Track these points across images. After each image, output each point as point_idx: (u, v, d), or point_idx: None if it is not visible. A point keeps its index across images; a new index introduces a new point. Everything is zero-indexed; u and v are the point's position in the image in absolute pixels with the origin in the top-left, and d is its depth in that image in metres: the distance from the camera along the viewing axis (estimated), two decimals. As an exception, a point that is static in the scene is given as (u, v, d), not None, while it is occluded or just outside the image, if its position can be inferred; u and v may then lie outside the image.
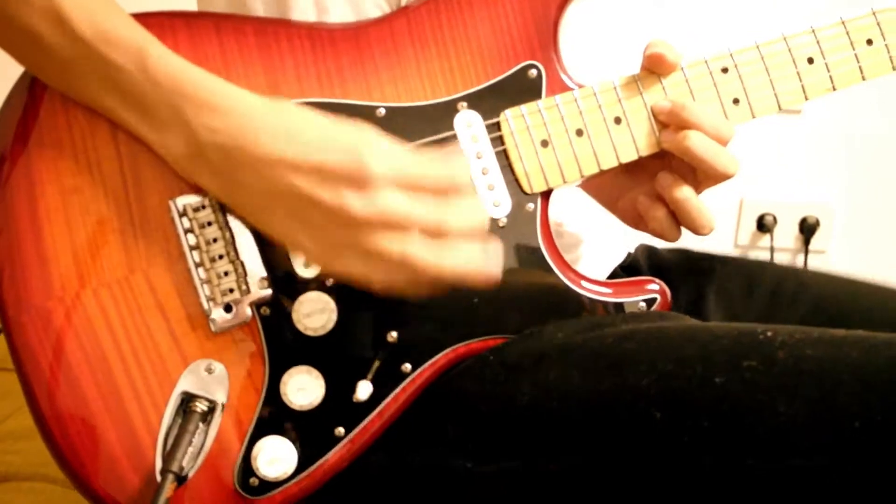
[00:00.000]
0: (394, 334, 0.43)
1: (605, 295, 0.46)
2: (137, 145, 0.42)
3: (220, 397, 0.42)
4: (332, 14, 0.47)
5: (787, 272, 0.55)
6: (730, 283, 0.55)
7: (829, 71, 0.45)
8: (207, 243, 0.42)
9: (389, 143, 0.39)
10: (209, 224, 0.42)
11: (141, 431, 0.42)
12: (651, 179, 0.47)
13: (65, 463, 0.42)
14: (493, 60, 0.45)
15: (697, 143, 0.44)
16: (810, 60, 0.45)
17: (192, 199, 0.42)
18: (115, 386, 0.42)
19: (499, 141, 0.45)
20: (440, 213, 0.39)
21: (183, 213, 0.42)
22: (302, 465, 0.42)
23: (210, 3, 0.51)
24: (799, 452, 0.34)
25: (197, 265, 0.42)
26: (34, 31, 0.39)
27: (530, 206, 0.45)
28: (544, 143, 0.45)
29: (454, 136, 0.44)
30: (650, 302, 0.46)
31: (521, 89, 0.45)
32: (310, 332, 0.43)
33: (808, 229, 1.27)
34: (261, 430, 0.42)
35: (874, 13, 0.44)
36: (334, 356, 0.43)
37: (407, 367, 0.43)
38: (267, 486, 0.42)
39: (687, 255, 0.58)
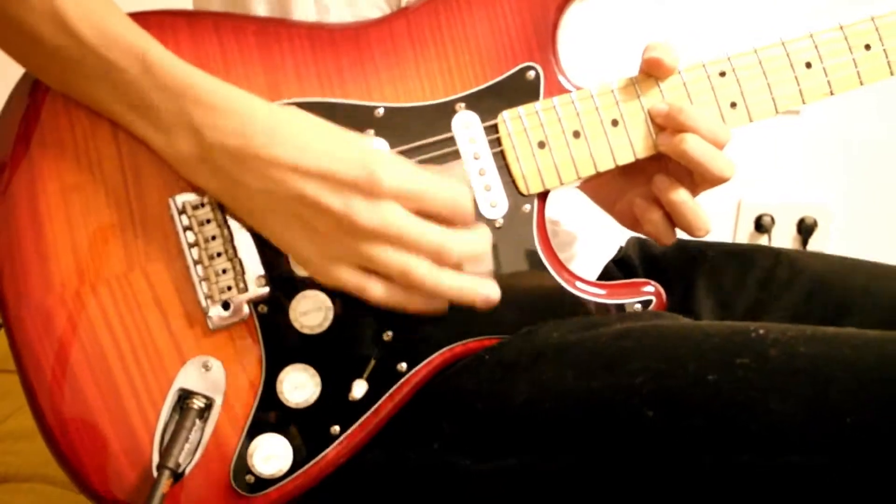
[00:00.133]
0: (390, 333, 0.44)
1: (600, 297, 0.46)
2: (138, 144, 0.42)
3: (217, 394, 0.43)
4: (333, 14, 0.47)
5: (781, 256, 0.55)
6: (721, 270, 0.55)
7: (826, 76, 0.45)
8: (206, 241, 0.43)
9: (401, 162, 0.40)
10: (208, 222, 0.43)
11: (138, 428, 0.42)
12: (648, 182, 0.47)
13: (63, 459, 0.42)
14: (491, 62, 0.45)
15: (694, 146, 0.44)
16: (808, 65, 0.45)
17: (191, 197, 0.43)
18: (114, 382, 0.42)
19: (496, 142, 0.45)
20: (443, 237, 0.39)
21: (182, 211, 0.43)
22: (297, 463, 0.43)
23: (207, 2, 0.51)
24: (793, 450, 0.34)
25: (195, 262, 0.42)
26: (35, 33, 0.40)
27: (527, 207, 0.45)
28: (541, 145, 0.45)
29: (452, 138, 0.45)
30: (645, 304, 0.46)
31: (519, 91, 0.45)
32: (306, 331, 0.43)
33: (805, 230, 1.27)
34: (257, 428, 0.43)
35: (872, 19, 0.44)
36: (330, 354, 0.43)
37: (403, 366, 0.44)
38: (262, 483, 0.42)
39: (678, 246, 0.58)
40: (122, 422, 0.42)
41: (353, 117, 0.43)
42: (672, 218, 0.47)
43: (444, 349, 0.44)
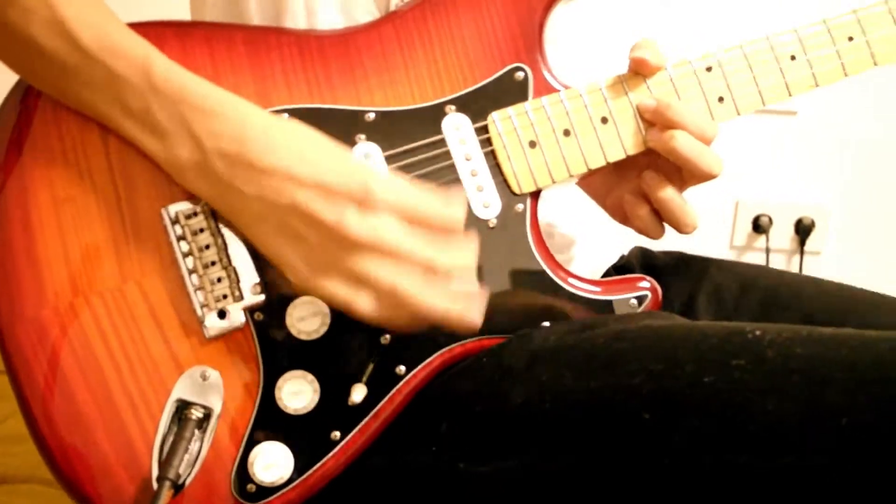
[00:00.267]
0: (387, 336, 0.44)
1: (596, 293, 0.46)
2: (129, 155, 0.43)
3: (216, 404, 0.43)
4: (322, 18, 0.48)
5: (782, 279, 0.56)
6: (723, 287, 0.56)
7: (811, 68, 0.46)
8: (200, 250, 0.43)
9: (394, 175, 0.40)
10: (201, 231, 0.43)
11: (136, 440, 0.42)
12: (639, 176, 0.48)
13: (60, 473, 0.42)
14: (479, 64, 0.45)
15: (683, 142, 0.44)
16: (793, 58, 0.46)
17: (183, 207, 0.43)
18: (110, 394, 0.42)
19: (487, 143, 0.45)
20: (435, 252, 0.39)
21: (175, 221, 0.43)
22: (299, 470, 0.43)
23: (204, 9, 0.52)
24: (790, 450, 0.34)
25: (190, 272, 0.43)
26: (34, 39, 0.40)
27: (520, 206, 0.46)
28: (532, 144, 0.45)
29: (443, 140, 0.45)
30: (641, 299, 0.47)
31: (508, 91, 0.45)
32: (303, 337, 0.43)
33: (803, 230, 1.28)
34: (257, 436, 0.43)
35: (854, 11, 0.45)
36: (328, 360, 0.43)
37: (401, 369, 0.44)
38: (264, 492, 0.42)
39: (681, 258, 0.59)
40: (120, 435, 0.42)
41: (344, 122, 0.44)
42: (660, 214, 0.48)
43: (443, 351, 0.44)
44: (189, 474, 0.42)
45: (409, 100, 0.45)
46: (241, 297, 0.43)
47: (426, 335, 0.44)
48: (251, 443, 0.43)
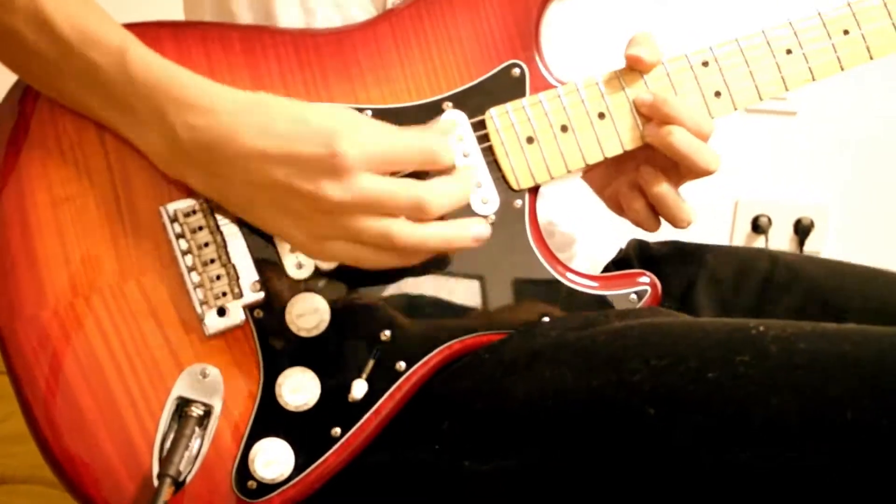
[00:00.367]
0: (387, 333, 0.44)
1: (595, 288, 0.47)
2: (126, 153, 0.43)
3: (216, 401, 0.43)
4: (319, 16, 0.48)
5: (779, 260, 0.56)
6: (721, 272, 0.56)
7: (807, 62, 0.46)
8: (199, 248, 0.43)
9: (365, 122, 0.40)
10: (200, 229, 0.43)
11: (137, 438, 0.42)
12: (637, 169, 0.48)
13: (61, 471, 0.43)
14: (476, 60, 0.46)
15: (680, 138, 0.45)
16: (788, 51, 0.46)
17: (182, 205, 0.43)
18: (110, 393, 0.42)
19: (484, 139, 0.46)
20: (418, 189, 0.40)
21: (174, 219, 0.43)
22: (299, 467, 0.43)
23: (197, 9, 0.52)
24: (793, 446, 0.34)
25: (189, 270, 0.43)
26: (18, 33, 0.41)
27: (518, 202, 0.46)
28: (530, 140, 0.46)
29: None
30: (640, 294, 0.47)
31: (505, 88, 0.46)
32: (303, 333, 0.43)
33: (802, 230, 1.28)
34: (257, 433, 0.43)
35: (849, 4, 0.46)
36: (328, 356, 0.43)
37: (401, 365, 0.44)
38: (265, 489, 0.43)
39: (677, 246, 0.59)
40: (120, 433, 0.42)
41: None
42: (656, 209, 0.48)
43: (443, 346, 0.45)
44: (190, 472, 0.42)
45: (406, 97, 0.45)
46: (241, 295, 0.43)
47: (426, 332, 0.44)
48: (252, 440, 0.43)
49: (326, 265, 0.44)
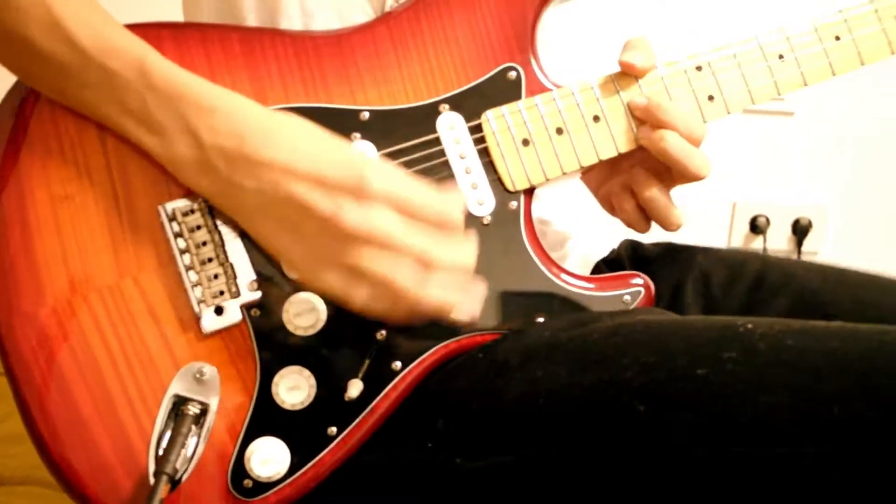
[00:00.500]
0: (383, 332, 0.46)
1: (589, 290, 0.48)
2: (126, 153, 0.44)
3: (212, 399, 0.44)
4: (318, 19, 0.50)
5: (773, 262, 0.57)
6: (711, 274, 0.57)
7: (799, 67, 0.48)
8: (197, 247, 0.45)
9: (391, 167, 0.42)
10: (198, 228, 0.45)
11: (133, 436, 0.43)
12: (628, 171, 0.50)
13: (56, 470, 0.44)
14: (472, 63, 0.47)
15: (672, 143, 0.47)
16: (781, 57, 0.48)
17: (180, 204, 0.45)
18: (107, 391, 0.43)
19: (481, 141, 0.47)
20: (431, 245, 0.40)
21: (172, 218, 0.45)
22: (295, 466, 0.44)
23: (196, 12, 0.53)
24: (782, 441, 0.35)
25: (187, 268, 0.44)
26: (31, 40, 0.42)
27: (513, 204, 0.48)
28: (525, 142, 0.47)
29: (438, 139, 0.47)
30: (634, 296, 0.49)
31: (502, 91, 0.48)
32: (300, 332, 0.45)
33: (800, 231, 1.30)
34: (254, 431, 0.44)
35: (840, 11, 0.48)
36: (325, 355, 0.45)
37: (397, 364, 0.46)
38: (261, 487, 0.44)
39: (669, 247, 0.61)
40: (117, 431, 0.43)
41: (339, 121, 0.46)
42: (647, 211, 0.50)
43: (438, 346, 0.46)
44: (186, 470, 0.43)
45: (404, 99, 0.47)
46: (238, 294, 0.45)
47: (422, 331, 0.46)
48: (248, 438, 0.44)
49: None
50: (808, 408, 0.35)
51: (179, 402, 0.44)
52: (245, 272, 0.45)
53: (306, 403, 0.44)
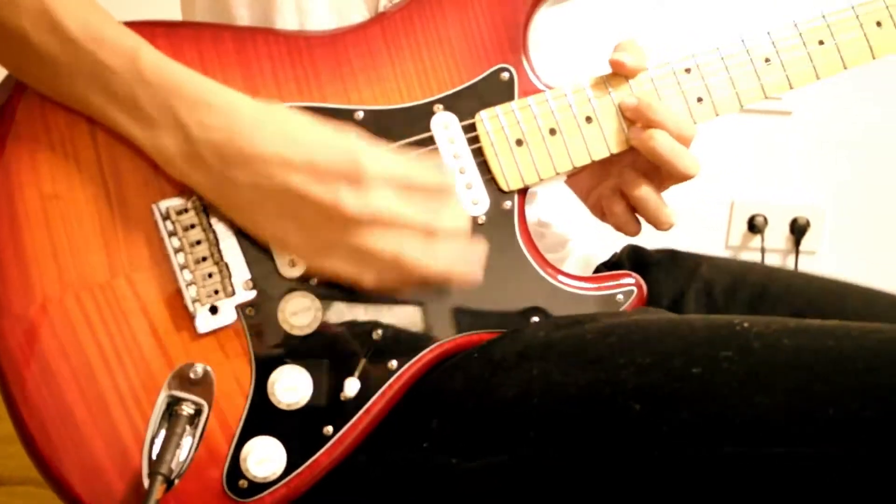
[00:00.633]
0: (379, 332, 0.49)
1: (583, 289, 0.52)
2: (118, 149, 0.47)
3: (207, 399, 0.47)
4: (314, 17, 0.53)
5: (773, 275, 0.61)
6: (713, 284, 0.61)
7: (784, 70, 0.52)
8: (191, 245, 0.48)
9: (379, 147, 0.45)
10: (192, 227, 0.48)
11: (126, 437, 0.46)
12: (618, 175, 0.54)
13: (47, 471, 0.46)
14: (466, 64, 0.51)
15: (662, 142, 0.51)
16: (767, 60, 0.52)
17: (174, 202, 0.48)
18: (100, 391, 0.46)
19: (475, 141, 0.52)
20: (430, 215, 0.44)
21: (166, 217, 0.48)
22: (291, 466, 0.47)
23: (192, 7, 0.56)
24: (777, 441, 0.38)
25: (181, 267, 0.47)
26: (21, 32, 0.44)
27: (508, 203, 0.52)
28: (519, 143, 0.51)
29: (432, 138, 0.51)
30: (627, 295, 0.53)
31: (494, 91, 0.52)
32: (296, 331, 0.48)
33: (798, 230, 1.36)
34: (249, 431, 0.47)
35: (823, 16, 0.52)
36: (320, 354, 0.48)
37: (393, 364, 0.49)
38: (256, 488, 0.47)
39: (672, 254, 0.65)
40: (110, 431, 0.46)
41: (333, 121, 0.49)
42: (638, 211, 0.54)
43: (434, 346, 0.50)
44: (180, 471, 0.46)
45: (398, 98, 0.51)
46: (233, 293, 0.48)
47: (417, 330, 0.49)
48: (243, 438, 0.47)
49: None
50: (805, 407, 0.37)
51: (173, 403, 0.46)
52: (240, 271, 0.48)
53: (302, 403, 0.47)
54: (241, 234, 0.48)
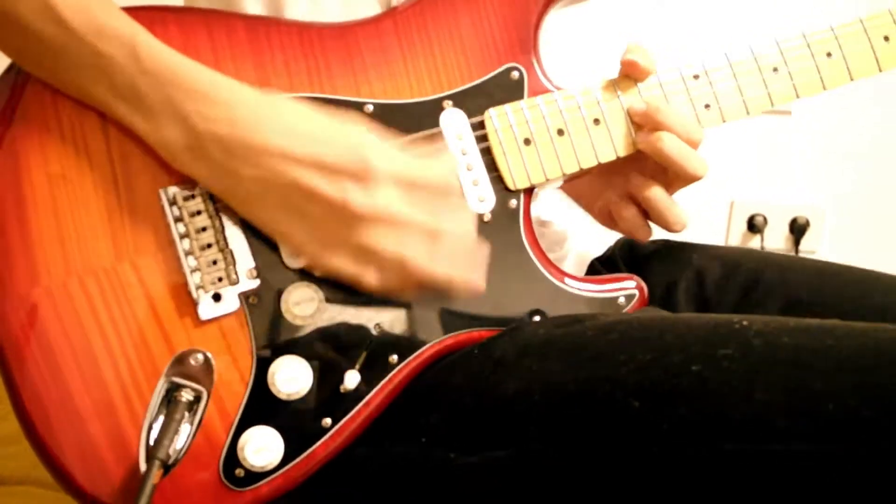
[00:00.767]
0: (381, 326, 0.52)
1: (585, 290, 0.56)
2: (127, 134, 0.50)
3: (207, 386, 0.50)
4: (326, 11, 0.56)
5: (766, 261, 0.63)
6: (705, 271, 0.64)
7: (792, 80, 0.56)
8: (196, 232, 0.51)
9: (387, 143, 0.47)
10: (198, 213, 0.51)
11: (125, 422, 0.49)
12: (624, 182, 0.57)
13: (45, 454, 0.49)
14: (476, 61, 0.55)
15: (670, 144, 0.54)
16: (775, 69, 0.56)
17: (182, 188, 0.50)
18: (100, 374, 0.49)
19: (483, 139, 0.55)
20: (436, 215, 0.46)
21: (173, 202, 0.51)
22: (288, 456, 0.50)
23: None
24: (776, 438, 0.39)
25: (186, 253, 0.50)
26: (22, 21, 0.46)
27: (513, 202, 0.55)
28: (527, 142, 0.55)
29: (440, 134, 0.54)
30: (629, 298, 0.56)
31: (504, 90, 0.55)
32: (298, 322, 0.51)
33: (798, 230, 1.41)
34: (248, 420, 0.50)
35: (832, 28, 0.56)
36: (322, 346, 0.51)
37: (394, 358, 0.53)
38: (253, 477, 0.50)
39: (664, 245, 0.68)
40: (109, 415, 0.49)
41: (341, 112, 0.51)
42: (648, 214, 0.57)
43: (435, 342, 0.53)
44: (178, 457, 0.49)
45: (408, 93, 0.54)
46: (237, 281, 0.51)
47: (419, 326, 0.53)
48: (241, 427, 0.50)
49: None
50: (804, 406, 0.39)
51: (173, 389, 0.49)
52: (244, 260, 0.51)
53: (301, 394, 0.51)
54: (247, 223, 0.50)
